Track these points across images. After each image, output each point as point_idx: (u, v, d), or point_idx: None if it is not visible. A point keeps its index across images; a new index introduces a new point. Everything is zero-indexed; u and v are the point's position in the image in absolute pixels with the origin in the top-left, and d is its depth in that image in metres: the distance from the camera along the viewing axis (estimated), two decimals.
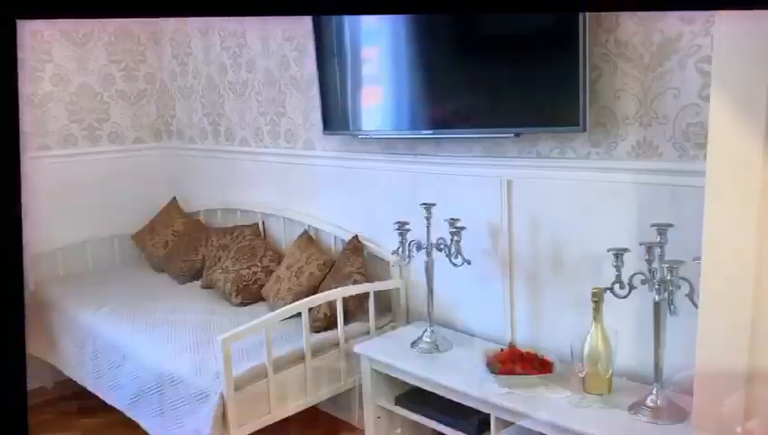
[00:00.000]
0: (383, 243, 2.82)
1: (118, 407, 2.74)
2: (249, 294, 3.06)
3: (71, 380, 3.23)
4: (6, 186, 0.77)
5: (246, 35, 3.27)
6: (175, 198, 3.95)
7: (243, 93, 3.40)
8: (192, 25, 3.60)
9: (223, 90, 3.53)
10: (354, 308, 2.67)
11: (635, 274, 1.85)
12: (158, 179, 4.07)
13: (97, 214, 3.82)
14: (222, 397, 2.22)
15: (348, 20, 2.68)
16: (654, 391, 1.86)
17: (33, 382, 3.58)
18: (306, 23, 2.85)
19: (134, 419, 2.63)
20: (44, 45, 3.56)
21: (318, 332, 2.59)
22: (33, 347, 3.39)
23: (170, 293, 3.30)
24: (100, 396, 2.88)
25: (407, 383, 2.38)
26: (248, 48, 3.28)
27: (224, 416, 2.23)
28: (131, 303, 3.12)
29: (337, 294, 2.57)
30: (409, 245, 2.40)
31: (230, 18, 3.31)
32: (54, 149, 3.66)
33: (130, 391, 2.64)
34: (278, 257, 3.18)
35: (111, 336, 2.85)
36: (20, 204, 0.78)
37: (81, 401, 3.37)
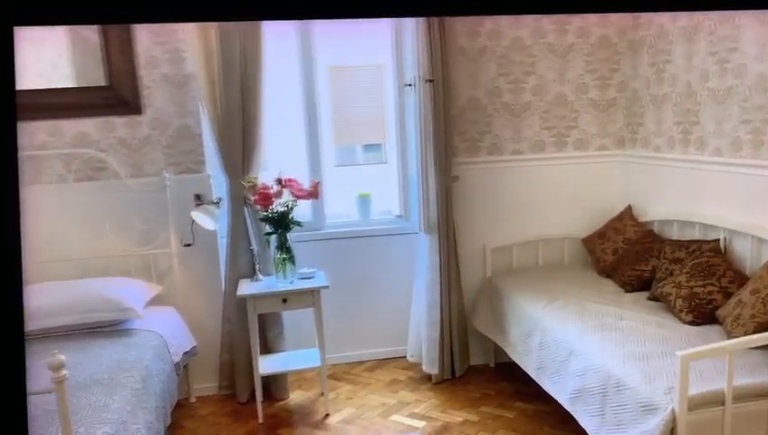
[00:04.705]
0: None
1: (557, 399, 2.83)
2: (701, 314, 2.85)
3: (511, 363, 3.49)
4: (3, 194, 0.74)
5: (740, 39, 3.00)
6: (629, 205, 3.92)
7: (724, 101, 3.14)
8: (677, 32, 3.48)
9: (701, 97, 3.32)
10: None
11: None
12: (614, 187, 4.08)
13: (551, 215, 4.06)
14: (673, 413, 2.11)
15: None
16: None
17: (479, 359, 4.05)
18: None
19: (572, 413, 2.69)
20: (530, 59, 3.90)
21: None
22: (483, 326, 3.80)
23: (616, 299, 3.27)
24: (542, 385, 3.01)
25: None
26: (740, 52, 3.00)
27: (671, 433, 2.12)
28: (579, 303, 3.20)
29: None
30: None
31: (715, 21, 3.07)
32: (526, 153, 3.99)
33: (572, 386, 2.70)
34: (740, 279, 2.87)
35: (559, 331, 2.96)
36: (19, 217, 0.75)
37: (518, 386, 3.64)
